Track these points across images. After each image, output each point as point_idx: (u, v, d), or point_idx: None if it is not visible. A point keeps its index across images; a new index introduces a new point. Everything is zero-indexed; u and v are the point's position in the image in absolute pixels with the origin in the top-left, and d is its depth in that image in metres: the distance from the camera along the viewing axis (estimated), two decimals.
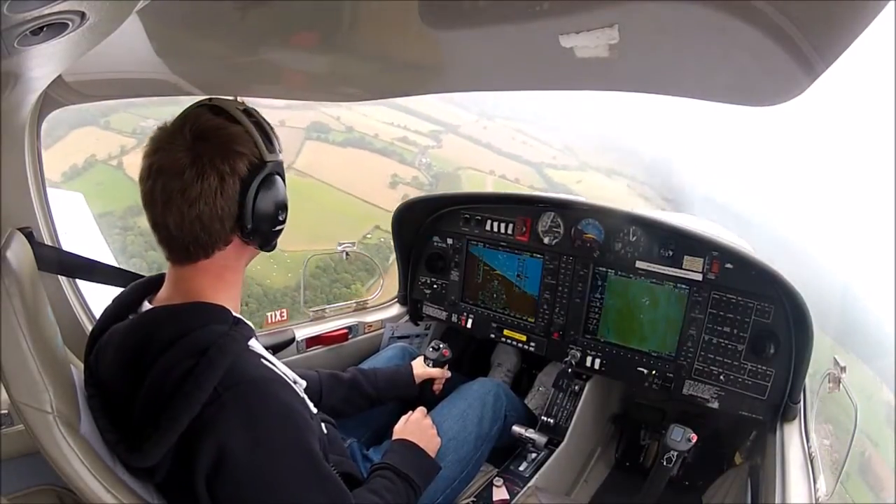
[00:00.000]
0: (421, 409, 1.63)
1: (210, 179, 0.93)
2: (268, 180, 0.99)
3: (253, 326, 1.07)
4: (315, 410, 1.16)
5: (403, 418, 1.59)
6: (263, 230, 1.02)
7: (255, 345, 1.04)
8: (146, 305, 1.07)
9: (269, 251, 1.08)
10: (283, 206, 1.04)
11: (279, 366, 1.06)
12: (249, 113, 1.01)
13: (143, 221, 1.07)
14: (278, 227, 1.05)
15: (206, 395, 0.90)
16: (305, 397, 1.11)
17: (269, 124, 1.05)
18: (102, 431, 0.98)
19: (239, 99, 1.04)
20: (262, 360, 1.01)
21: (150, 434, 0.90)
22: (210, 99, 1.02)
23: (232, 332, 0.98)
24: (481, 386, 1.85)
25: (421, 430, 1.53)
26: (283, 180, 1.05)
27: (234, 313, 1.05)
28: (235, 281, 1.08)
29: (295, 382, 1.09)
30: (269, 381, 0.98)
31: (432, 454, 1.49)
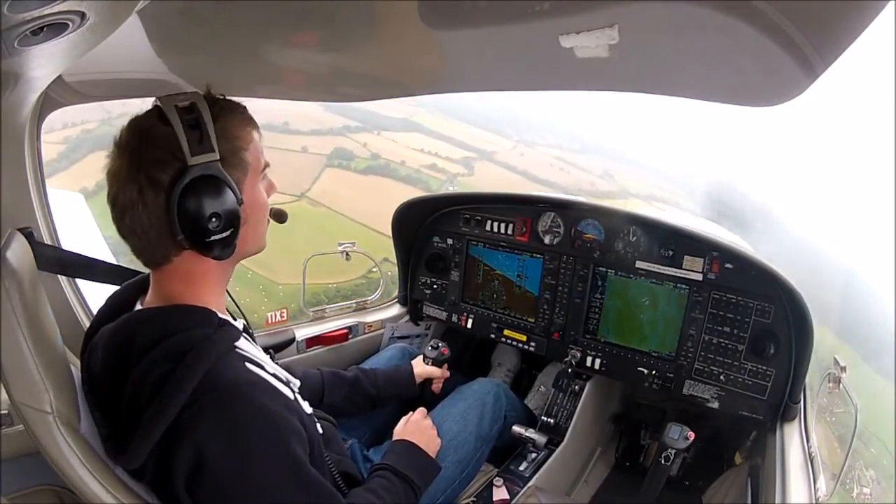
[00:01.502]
0: (421, 410, 1.63)
1: (130, 192, 0.89)
2: (197, 185, 0.90)
3: (240, 328, 1.05)
4: (310, 410, 1.15)
5: (403, 419, 1.58)
6: (198, 240, 0.93)
7: (243, 345, 1.02)
8: (139, 306, 1.06)
9: (222, 259, 0.98)
10: (216, 214, 0.91)
11: (268, 366, 1.04)
12: (191, 109, 0.91)
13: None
14: (217, 237, 0.93)
15: (184, 399, 0.88)
16: (299, 398, 1.10)
17: (215, 109, 0.94)
18: (98, 426, 0.98)
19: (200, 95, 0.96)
20: (247, 364, 0.98)
21: (131, 438, 0.90)
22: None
23: (215, 335, 0.96)
24: (481, 386, 1.85)
25: (421, 431, 1.52)
26: (230, 182, 0.94)
27: (221, 315, 1.03)
28: (212, 283, 1.03)
29: (288, 382, 1.08)
30: (248, 386, 0.95)
31: (432, 455, 1.49)
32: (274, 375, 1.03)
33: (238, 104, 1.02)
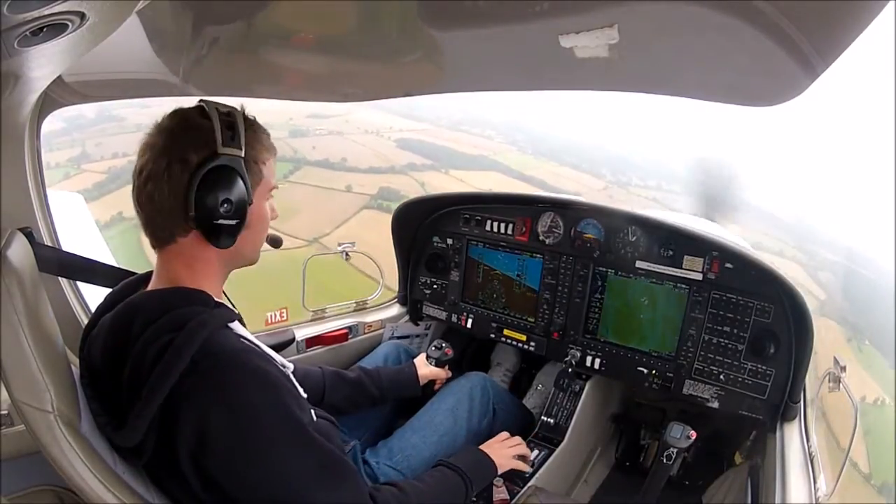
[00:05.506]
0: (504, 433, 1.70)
1: (160, 164, 0.98)
2: (218, 172, 0.98)
3: (236, 311, 1.10)
4: (305, 395, 1.16)
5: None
6: (206, 221, 0.99)
7: (236, 326, 1.06)
8: None
9: (222, 248, 1.04)
10: (229, 201, 1.00)
11: (262, 347, 1.08)
12: (228, 113, 1.03)
13: None
14: (222, 222, 1.01)
15: (184, 365, 0.92)
16: (293, 378, 1.12)
17: (247, 122, 1.05)
18: (95, 416, 0.99)
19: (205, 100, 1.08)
20: (242, 339, 1.04)
21: (133, 407, 0.92)
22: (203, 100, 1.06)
23: (213, 310, 1.01)
24: (468, 380, 1.86)
25: (500, 444, 1.62)
26: (246, 178, 1.03)
27: (216, 299, 1.07)
28: (211, 274, 1.09)
29: (283, 367, 1.10)
30: (244, 352, 1.00)
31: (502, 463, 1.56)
32: (267, 352, 1.08)
33: (265, 129, 1.11)
